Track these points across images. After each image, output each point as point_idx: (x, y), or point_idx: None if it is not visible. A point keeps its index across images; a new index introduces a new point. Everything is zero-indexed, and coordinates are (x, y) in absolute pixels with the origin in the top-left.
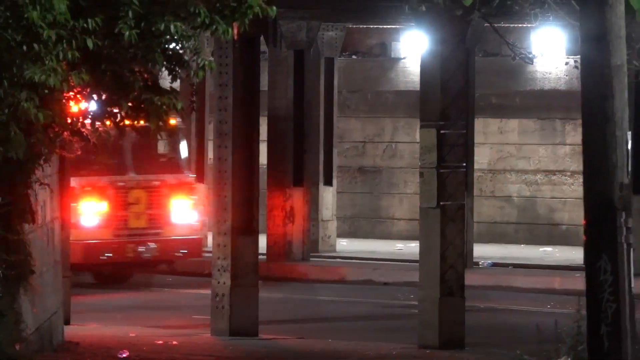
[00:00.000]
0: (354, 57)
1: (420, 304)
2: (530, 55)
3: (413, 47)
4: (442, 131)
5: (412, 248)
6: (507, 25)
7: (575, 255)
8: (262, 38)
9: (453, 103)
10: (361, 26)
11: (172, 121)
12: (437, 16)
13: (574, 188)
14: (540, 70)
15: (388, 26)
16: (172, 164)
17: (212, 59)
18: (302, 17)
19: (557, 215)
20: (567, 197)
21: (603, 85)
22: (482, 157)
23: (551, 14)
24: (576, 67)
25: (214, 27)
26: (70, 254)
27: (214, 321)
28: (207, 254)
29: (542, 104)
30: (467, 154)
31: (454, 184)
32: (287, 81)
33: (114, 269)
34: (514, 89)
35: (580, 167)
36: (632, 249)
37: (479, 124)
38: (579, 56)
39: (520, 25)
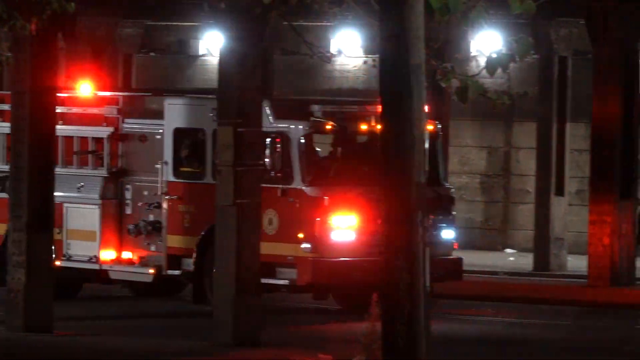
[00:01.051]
0: (152, 54)
1: (214, 302)
2: (328, 54)
3: (212, 44)
4: (239, 129)
5: None
6: (306, 24)
7: None
8: (61, 34)
9: (250, 101)
10: (161, 23)
11: (430, 126)
12: (236, 14)
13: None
14: (338, 69)
15: (188, 23)
16: (431, 174)
17: (10, 54)
18: (101, 13)
19: None
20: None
21: (401, 84)
22: None
23: (350, 13)
24: (374, 66)
25: (12, 22)
26: (315, 272)
27: (8, 317)
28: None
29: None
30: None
31: (250, 182)
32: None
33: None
34: (313, 87)
35: None
36: (427, 249)
37: None
38: (377, 55)
39: (319, 24)
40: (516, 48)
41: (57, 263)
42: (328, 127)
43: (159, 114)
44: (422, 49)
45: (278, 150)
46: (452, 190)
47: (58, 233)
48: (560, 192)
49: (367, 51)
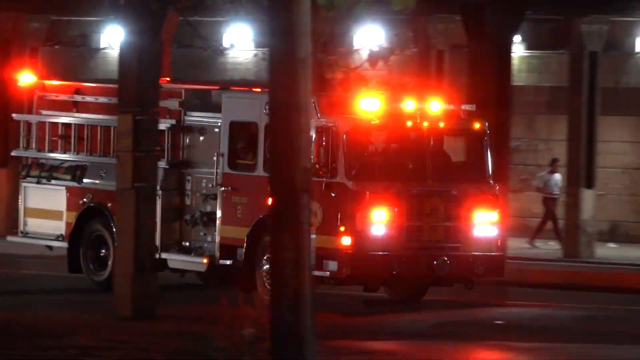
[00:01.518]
0: (56, 47)
1: (115, 278)
2: (220, 48)
3: (113, 38)
4: (137, 117)
5: None
6: (201, 19)
7: None
8: None
9: (148, 91)
10: (65, 18)
11: (477, 125)
12: (134, 9)
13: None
14: (230, 62)
15: (90, 18)
16: (476, 172)
17: None
18: (9, 8)
19: None
20: None
21: (289, 76)
22: None
23: (242, 10)
24: (264, 59)
25: None
26: (357, 265)
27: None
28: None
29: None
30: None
31: (148, 167)
32: None
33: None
34: (206, 78)
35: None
36: (311, 228)
37: None
38: (267, 49)
39: (213, 19)
40: (396, 42)
41: None
42: (372, 122)
43: (218, 108)
44: (308, 43)
45: (324, 144)
46: (497, 188)
47: None
48: None
49: (258, 45)
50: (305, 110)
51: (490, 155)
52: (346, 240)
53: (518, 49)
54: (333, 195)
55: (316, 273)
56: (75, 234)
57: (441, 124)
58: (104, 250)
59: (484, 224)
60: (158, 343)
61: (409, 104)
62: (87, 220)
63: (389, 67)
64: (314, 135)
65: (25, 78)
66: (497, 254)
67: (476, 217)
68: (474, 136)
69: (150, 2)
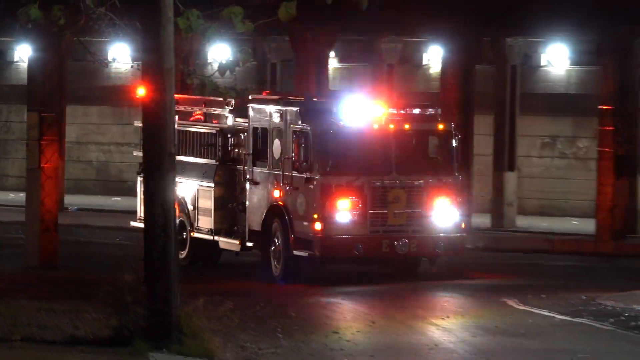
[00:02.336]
0: None
1: (25, 237)
2: (105, 61)
3: (24, 53)
4: (42, 114)
5: (20, 197)
6: (91, 39)
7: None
8: None
9: (50, 94)
10: None
11: (441, 126)
12: (39, 32)
13: (136, 155)
14: (114, 72)
15: (6, 38)
16: (442, 165)
17: None
18: None
19: (125, 175)
20: (132, 162)
21: (158, 82)
22: (71, 133)
23: (121, 32)
24: (139, 69)
25: None
26: (326, 247)
27: None
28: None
29: (114, 95)
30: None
31: (51, 152)
32: None
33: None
34: (95, 84)
35: (134, 140)
36: (175, 200)
37: (71, 109)
38: (141, 62)
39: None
40: (240, 56)
41: (193, 234)
42: (343, 125)
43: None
44: (172, 57)
45: (303, 144)
46: (460, 179)
47: (193, 210)
48: None
49: (134, 59)
50: (171, 108)
51: (455, 150)
52: (318, 226)
53: (332, 62)
54: (310, 187)
55: (299, 253)
56: None
57: (406, 126)
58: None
59: (445, 210)
60: (59, 286)
61: (377, 109)
62: None
63: (235, 76)
64: (292, 138)
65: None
66: (457, 235)
67: (438, 204)
68: (439, 135)
69: (51, 26)
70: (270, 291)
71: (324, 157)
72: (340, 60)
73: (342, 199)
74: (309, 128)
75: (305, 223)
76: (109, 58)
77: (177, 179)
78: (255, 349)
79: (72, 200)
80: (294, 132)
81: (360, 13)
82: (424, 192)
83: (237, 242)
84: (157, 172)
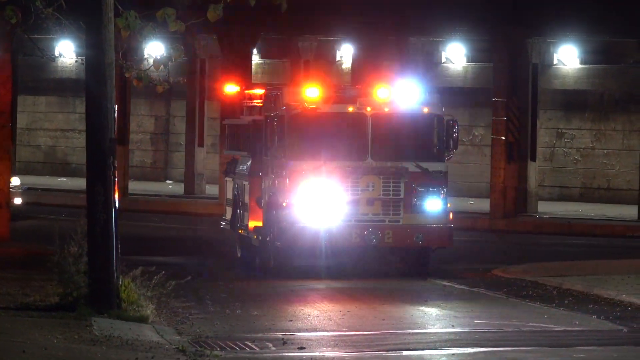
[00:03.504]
0: None
1: None
2: (52, 56)
3: None
4: None
5: None
6: (39, 36)
7: (82, 182)
8: None
9: (1, 85)
10: None
11: (426, 109)
12: None
13: (82, 141)
14: (60, 66)
15: None
16: (427, 151)
17: None
18: None
19: (69, 158)
20: (76, 146)
21: (99, 75)
22: (22, 121)
23: (67, 30)
24: (82, 64)
25: None
26: (294, 237)
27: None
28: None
29: (60, 87)
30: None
31: (2, 138)
32: None
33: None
34: (43, 77)
35: (83, 127)
36: (115, 180)
37: (21, 99)
38: (84, 57)
39: (48, 37)
40: (173, 53)
41: (239, 232)
42: (316, 109)
43: None
44: (112, 53)
45: (276, 129)
46: (445, 165)
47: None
48: (201, 144)
49: (78, 54)
50: (111, 97)
51: (445, 136)
52: (284, 214)
53: (255, 58)
54: (283, 173)
55: (278, 243)
56: None
57: (386, 108)
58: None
59: (428, 198)
60: (11, 257)
61: (352, 91)
62: None
63: (168, 70)
64: (268, 123)
65: (230, 88)
66: (441, 226)
67: (420, 192)
68: (424, 118)
69: (4, 25)
70: (204, 266)
71: (293, 142)
72: (262, 57)
73: (309, 185)
74: (280, 112)
75: (274, 212)
76: (56, 53)
77: (238, 176)
78: (187, 315)
79: (25, 180)
80: (268, 117)
81: (281, 14)
82: (404, 179)
83: (255, 237)
84: (99, 155)
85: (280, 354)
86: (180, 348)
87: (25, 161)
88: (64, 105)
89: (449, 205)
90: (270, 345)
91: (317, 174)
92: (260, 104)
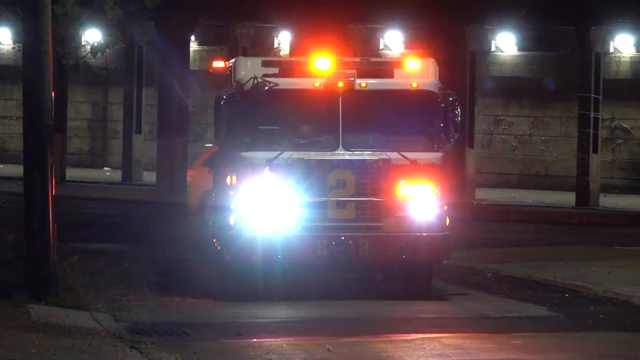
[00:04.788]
0: None
1: None
2: None
3: None
4: None
5: None
6: None
7: (20, 169)
8: None
9: None
10: None
11: (414, 84)
12: None
13: (20, 128)
14: (3, 52)
15: None
16: (415, 139)
17: None
18: None
19: (7, 144)
20: (13, 133)
21: (37, 62)
22: None
23: (3, 16)
24: (19, 50)
25: None
26: (239, 248)
27: None
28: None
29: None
30: None
31: None
32: None
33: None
34: None
35: (21, 114)
36: (53, 167)
37: None
38: (21, 43)
39: None
40: (110, 40)
41: None
42: (270, 88)
43: None
44: (49, 40)
45: (227, 115)
46: (439, 156)
47: None
48: (139, 131)
49: (16, 41)
50: (48, 83)
51: (444, 120)
52: (231, 220)
53: (193, 45)
54: (232, 167)
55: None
56: None
57: (363, 84)
58: None
59: (418, 199)
60: None
61: (319, 63)
62: None
63: (106, 57)
64: (220, 106)
65: (218, 64)
66: (436, 234)
67: (407, 191)
68: (416, 97)
69: None
70: (142, 253)
71: (242, 127)
72: (200, 44)
73: (263, 183)
74: (229, 90)
75: (222, 215)
76: None
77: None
78: (124, 301)
79: None
80: (217, 97)
81: (218, 1)
82: (386, 175)
83: None
84: (36, 142)
85: (218, 340)
86: (118, 335)
87: None
88: (2, 92)
89: (445, 207)
90: (207, 331)
91: (273, 169)
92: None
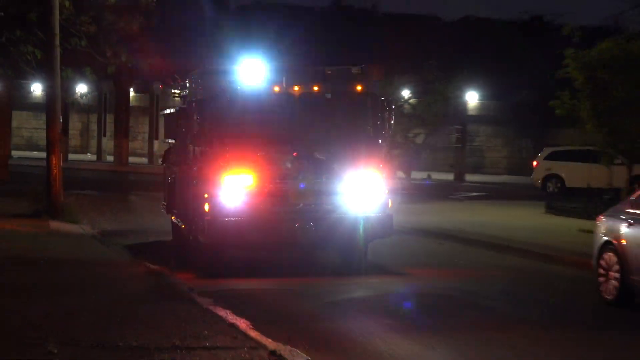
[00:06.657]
0: None
1: None
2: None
3: None
4: None
5: None
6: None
7: (44, 154)
8: None
9: None
10: None
11: (359, 87)
12: None
13: (44, 133)
14: (37, 94)
15: None
16: (362, 134)
17: None
18: None
19: (37, 142)
20: (42, 136)
21: (53, 100)
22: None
23: (38, 76)
24: (45, 94)
25: None
26: (215, 232)
27: None
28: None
29: (36, 106)
30: None
31: None
32: None
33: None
34: (24, 96)
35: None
36: (60, 153)
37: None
38: (45, 90)
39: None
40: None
41: (172, 218)
42: (237, 89)
43: None
44: (59, 89)
45: (197, 114)
46: (383, 149)
47: None
48: (105, 135)
49: (43, 89)
50: (58, 111)
51: (383, 117)
52: (206, 208)
53: (132, 92)
54: (204, 163)
55: (200, 239)
56: None
57: (315, 88)
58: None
59: (366, 186)
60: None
61: (279, 71)
62: None
63: (88, 98)
64: (188, 107)
65: (157, 86)
66: (381, 215)
67: (356, 179)
68: (359, 98)
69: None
70: (112, 195)
71: (212, 127)
72: (135, 92)
73: (232, 175)
74: (199, 96)
75: (196, 204)
76: (31, 89)
77: (171, 164)
78: (99, 220)
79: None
80: (190, 101)
81: (144, 73)
82: (338, 165)
83: None
84: (52, 139)
85: (159, 239)
86: (93, 235)
87: None
88: (37, 115)
89: (387, 192)
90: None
91: (241, 163)
92: (185, 93)
